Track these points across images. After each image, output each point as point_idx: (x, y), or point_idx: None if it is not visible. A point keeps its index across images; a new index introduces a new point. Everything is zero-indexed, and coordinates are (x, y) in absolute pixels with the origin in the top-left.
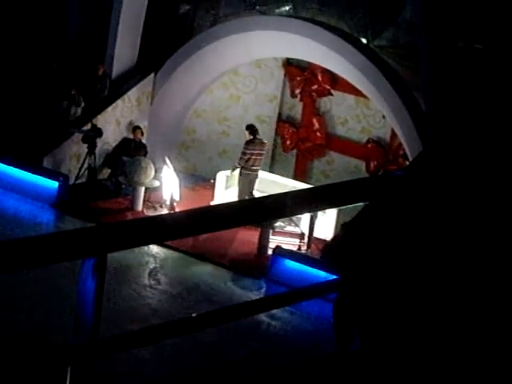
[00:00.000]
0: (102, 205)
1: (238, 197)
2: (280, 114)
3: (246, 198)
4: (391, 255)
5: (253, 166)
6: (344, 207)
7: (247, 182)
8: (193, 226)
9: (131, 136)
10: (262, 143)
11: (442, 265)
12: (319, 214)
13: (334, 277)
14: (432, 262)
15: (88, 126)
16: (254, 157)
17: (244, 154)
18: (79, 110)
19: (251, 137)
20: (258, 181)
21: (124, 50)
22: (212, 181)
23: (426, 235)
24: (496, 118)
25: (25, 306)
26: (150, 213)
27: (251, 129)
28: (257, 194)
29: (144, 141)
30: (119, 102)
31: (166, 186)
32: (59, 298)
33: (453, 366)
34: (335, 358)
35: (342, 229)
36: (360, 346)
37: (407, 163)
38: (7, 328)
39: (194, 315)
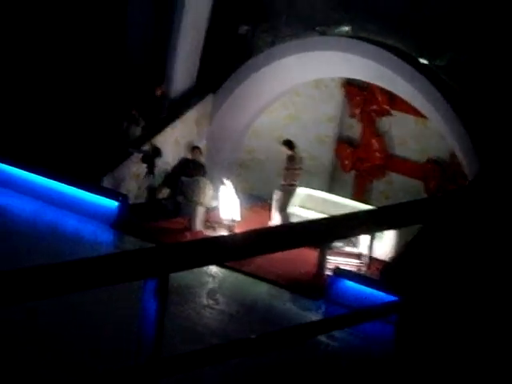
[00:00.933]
0: (161, 225)
1: (280, 212)
2: (339, 134)
3: (284, 213)
4: (452, 276)
5: (293, 180)
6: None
7: (288, 197)
8: (253, 247)
9: (190, 156)
10: (301, 158)
11: (504, 286)
12: (378, 234)
13: (394, 298)
14: (494, 283)
15: (147, 146)
16: (296, 172)
17: (288, 169)
18: (139, 130)
19: (291, 152)
20: (317, 201)
21: (183, 71)
22: (269, 201)
23: (489, 256)
24: None
25: (88, 326)
26: (209, 233)
27: (290, 144)
28: (316, 214)
29: (203, 161)
30: (178, 122)
31: (224, 206)
32: (121, 319)
33: None
34: (397, 377)
35: (402, 250)
36: (424, 367)
37: (467, 183)
38: (70, 348)
39: (253, 336)
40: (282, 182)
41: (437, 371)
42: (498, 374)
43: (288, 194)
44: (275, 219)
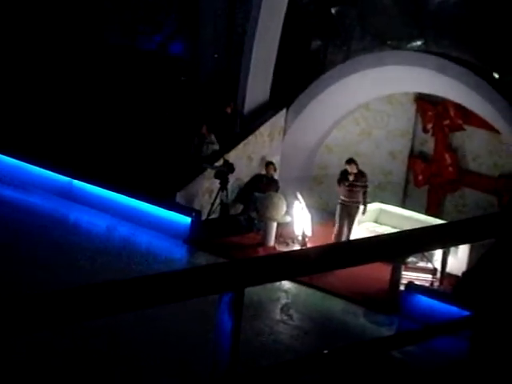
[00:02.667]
0: (235, 240)
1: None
2: (412, 149)
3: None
4: None
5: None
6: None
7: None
8: (326, 262)
9: (263, 171)
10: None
11: None
12: (452, 249)
13: (467, 313)
14: None
15: (220, 162)
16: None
17: (362, 186)
18: (212, 147)
19: (357, 170)
20: (391, 216)
21: (256, 86)
22: None
23: None
24: None
25: (164, 342)
26: (282, 248)
27: (355, 162)
28: (390, 229)
29: (276, 176)
30: (251, 137)
31: (297, 222)
32: (195, 334)
33: None
34: None
35: (475, 264)
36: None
37: None
38: (147, 363)
39: (327, 351)
40: (359, 200)
41: None
42: None
43: (358, 212)
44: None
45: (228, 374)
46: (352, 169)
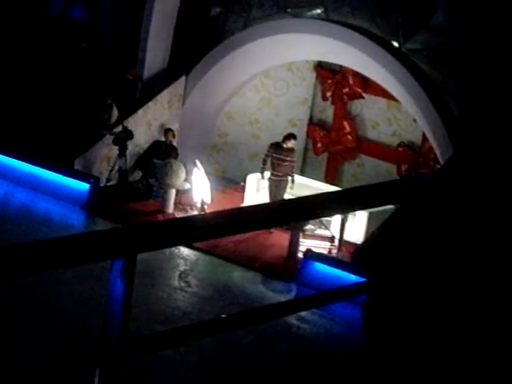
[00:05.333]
0: (133, 207)
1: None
2: (311, 117)
3: None
4: (422, 258)
5: (291, 172)
6: (375, 210)
7: (285, 188)
8: (222, 228)
9: (163, 138)
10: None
11: (473, 268)
12: (350, 217)
13: (364, 279)
14: (463, 266)
15: (119, 128)
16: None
17: (287, 161)
18: (113, 118)
19: (293, 145)
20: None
21: (156, 53)
22: (242, 184)
23: (458, 239)
24: None
25: (53, 307)
26: (181, 215)
27: (295, 137)
28: (287, 197)
29: (175, 143)
30: (150, 104)
31: (196, 189)
32: (88, 299)
33: (479, 364)
34: (365, 359)
35: (374, 232)
36: (390, 347)
37: (438, 166)
38: (33, 330)
39: (223, 316)
40: (279, 174)
41: (404, 350)
42: (465, 356)
43: (286, 184)
44: None
45: (119, 339)
46: (288, 144)
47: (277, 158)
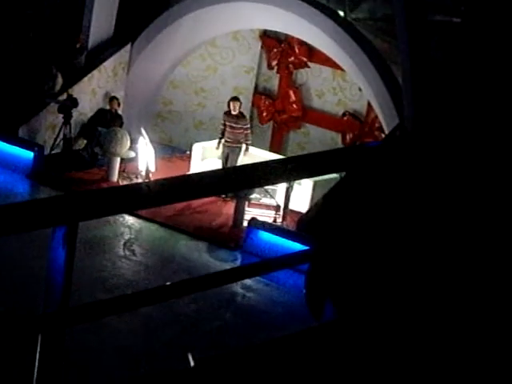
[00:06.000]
0: (77, 175)
1: None
2: (257, 86)
3: None
4: (365, 226)
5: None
6: (320, 178)
7: (239, 156)
8: (166, 195)
9: (107, 106)
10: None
11: (413, 236)
12: (295, 186)
13: (308, 248)
14: (405, 234)
15: (64, 96)
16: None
17: (243, 128)
18: (57, 86)
19: (239, 111)
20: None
21: (100, 21)
22: (188, 152)
23: (400, 207)
24: (473, 94)
25: None
26: (125, 183)
27: (239, 100)
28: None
29: (120, 111)
30: (95, 72)
31: (141, 157)
32: (30, 268)
33: (425, 332)
34: (309, 329)
35: (318, 201)
36: (334, 316)
37: (383, 136)
38: None
39: (167, 284)
40: (240, 141)
41: (349, 318)
42: (410, 330)
43: (239, 152)
44: None
45: (61, 308)
46: (234, 106)
47: (229, 125)
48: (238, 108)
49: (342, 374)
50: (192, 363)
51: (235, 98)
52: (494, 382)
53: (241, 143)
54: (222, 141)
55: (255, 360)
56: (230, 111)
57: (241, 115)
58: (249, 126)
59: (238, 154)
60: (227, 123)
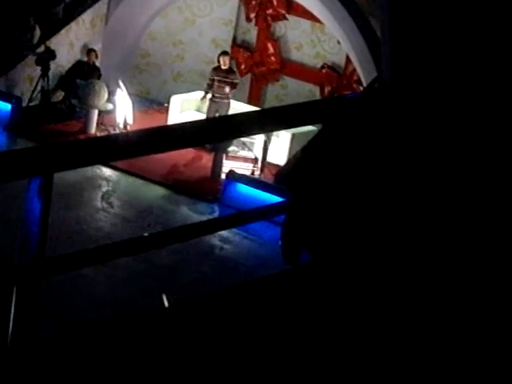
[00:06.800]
0: (55, 127)
1: None
2: (235, 38)
3: None
4: (342, 178)
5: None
6: (298, 131)
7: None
8: (144, 146)
9: (85, 59)
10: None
11: (387, 188)
12: (273, 138)
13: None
14: (377, 184)
15: (41, 49)
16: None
17: (227, 82)
18: (35, 38)
19: (229, 65)
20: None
21: None
22: (166, 105)
23: (375, 158)
24: (450, 47)
25: None
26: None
27: (229, 54)
28: None
29: (98, 64)
30: (73, 24)
31: (119, 109)
32: (5, 219)
33: (395, 274)
34: (283, 274)
35: (296, 153)
36: (307, 262)
37: (361, 88)
38: None
39: (145, 235)
40: (220, 95)
41: (322, 264)
42: (383, 284)
43: (228, 107)
44: None
45: (36, 259)
46: (224, 61)
47: (218, 80)
48: (228, 62)
49: (316, 315)
50: (166, 304)
51: (225, 53)
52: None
53: (229, 98)
54: (209, 96)
55: (230, 302)
56: (219, 66)
57: (230, 70)
58: (238, 80)
59: (228, 109)
60: (216, 78)
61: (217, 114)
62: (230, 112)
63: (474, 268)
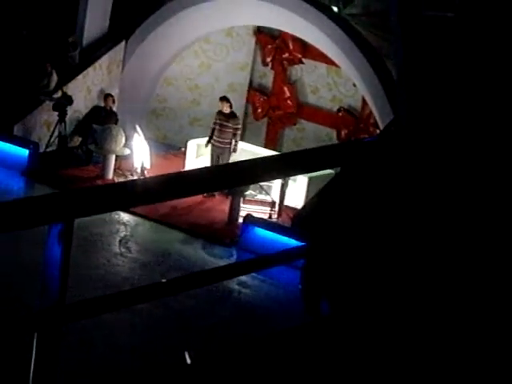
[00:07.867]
0: (73, 173)
1: None
2: (251, 82)
3: None
4: (360, 222)
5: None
6: (315, 174)
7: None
8: (162, 192)
9: (102, 104)
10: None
11: (406, 233)
12: (290, 182)
13: (303, 244)
14: (399, 231)
15: (59, 94)
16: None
17: (232, 128)
18: (52, 84)
19: (230, 110)
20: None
21: (95, 18)
22: (183, 149)
23: (395, 204)
24: (468, 89)
25: None
26: (121, 181)
27: (229, 101)
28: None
29: (115, 109)
30: (90, 69)
31: (136, 154)
32: (28, 265)
33: (417, 326)
34: (305, 326)
35: (314, 197)
36: (329, 312)
37: (378, 131)
38: None
39: (163, 281)
40: (222, 140)
41: (343, 315)
42: (404, 320)
43: (229, 152)
44: None
45: (57, 305)
46: (224, 107)
47: (219, 124)
48: (227, 107)
49: (337, 369)
50: (189, 361)
51: (223, 98)
52: (487, 379)
53: (229, 143)
54: (212, 141)
55: (251, 355)
56: (221, 110)
57: (232, 114)
58: (240, 126)
59: (229, 154)
60: (218, 122)
61: (220, 161)
62: (248, 156)
63: (491, 290)
